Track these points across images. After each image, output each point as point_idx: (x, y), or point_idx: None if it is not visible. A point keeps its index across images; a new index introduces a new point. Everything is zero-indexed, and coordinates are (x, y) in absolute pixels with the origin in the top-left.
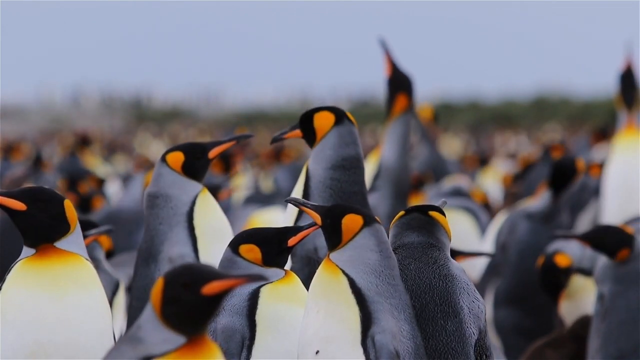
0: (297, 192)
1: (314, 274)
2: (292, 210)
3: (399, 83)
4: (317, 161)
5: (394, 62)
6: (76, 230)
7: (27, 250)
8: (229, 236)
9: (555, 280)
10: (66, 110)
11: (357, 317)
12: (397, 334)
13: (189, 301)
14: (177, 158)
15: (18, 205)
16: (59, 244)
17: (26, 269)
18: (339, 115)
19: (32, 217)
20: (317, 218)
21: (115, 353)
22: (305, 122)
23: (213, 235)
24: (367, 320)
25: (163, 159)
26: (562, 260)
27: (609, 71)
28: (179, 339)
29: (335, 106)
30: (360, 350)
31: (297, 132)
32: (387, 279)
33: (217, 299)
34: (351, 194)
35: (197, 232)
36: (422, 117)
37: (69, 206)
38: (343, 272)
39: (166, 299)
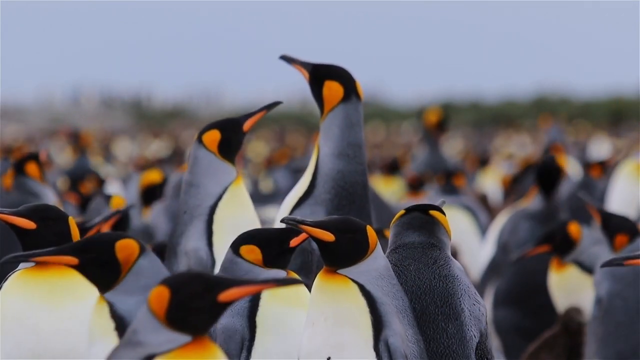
0: (305, 182)
1: (306, 264)
2: (284, 210)
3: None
4: (326, 141)
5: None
6: None
7: (24, 263)
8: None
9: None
10: (66, 110)
11: (369, 321)
12: (405, 337)
13: (202, 308)
14: (214, 137)
15: (28, 224)
16: None
17: (24, 280)
18: (348, 91)
19: (40, 235)
20: (329, 235)
21: (116, 355)
22: (316, 83)
23: (230, 231)
24: (378, 324)
25: (199, 139)
26: (574, 229)
27: (609, 71)
28: (182, 339)
29: (346, 74)
30: (374, 354)
31: (306, 75)
32: (390, 280)
33: (229, 305)
34: (353, 184)
35: (215, 226)
36: (427, 120)
37: (73, 224)
38: (352, 280)
39: (175, 306)
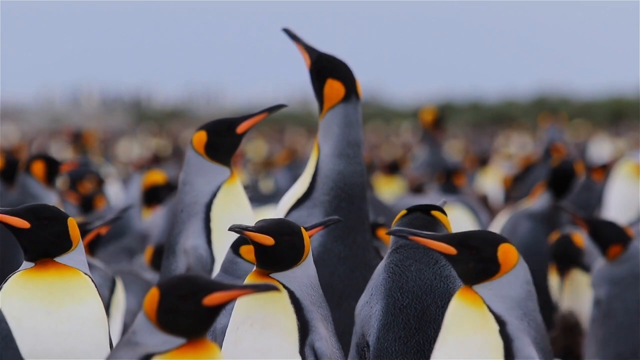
0: (304, 183)
1: None
2: (281, 210)
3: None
4: (326, 140)
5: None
6: (78, 248)
7: (25, 264)
8: None
9: (568, 254)
10: (66, 110)
11: (295, 325)
12: (330, 342)
13: (189, 311)
14: (201, 139)
15: (22, 223)
16: (59, 259)
17: (23, 281)
18: (349, 91)
19: (35, 234)
20: (269, 239)
21: (115, 355)
22: (317, 77)
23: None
24: (304, 328)
25: (191, 140)
26: (578, 240)
27: (609, 71)
28: (177, 340)
29: (349, 73)
30: (299, 358)
31: (308, 62)
32: (318, 291)
33: (218, 309)
34: (352, 185)
35: (213, 224)
36: (423, 120)
37: (73, 224)
38: (283, 285)
39: (163, 309)
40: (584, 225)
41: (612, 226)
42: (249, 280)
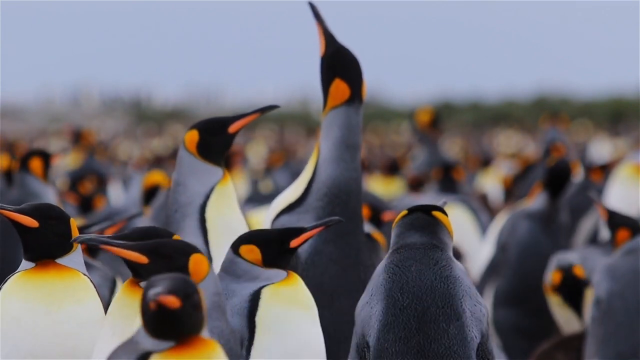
0: (300, 187)
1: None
2: (272, 213)
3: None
4: (326, 142)
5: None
6: (77, 249)
7: (25, 264)
8: (241, 230)
9: (577, 291)
10: (66, 110)
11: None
12: None
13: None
14: (192, 138)
15: (31, 222)
16: (59, 260)
17: (23, 281)
18: (353, 95)
19: (42, 234)
20: (143, 258)
21: (114, 355)
22: (327, 71)
23: (223, 230)
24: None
25: (183, 139)
26: (580, 272)
27: (609, 71)
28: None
29: (357, 75)
30: None
31: (322, 49)
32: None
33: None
34: (347, 191)
35: (208, 225)
36: (420, 120)
37: (74, 225)
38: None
39: (144, 312)
40: (603, 212)
41: (628, 216)
42: (124, 288)
